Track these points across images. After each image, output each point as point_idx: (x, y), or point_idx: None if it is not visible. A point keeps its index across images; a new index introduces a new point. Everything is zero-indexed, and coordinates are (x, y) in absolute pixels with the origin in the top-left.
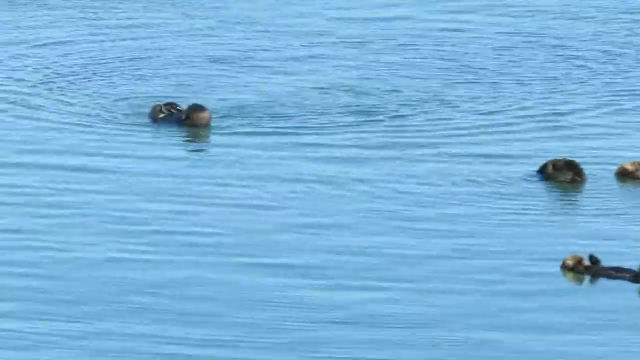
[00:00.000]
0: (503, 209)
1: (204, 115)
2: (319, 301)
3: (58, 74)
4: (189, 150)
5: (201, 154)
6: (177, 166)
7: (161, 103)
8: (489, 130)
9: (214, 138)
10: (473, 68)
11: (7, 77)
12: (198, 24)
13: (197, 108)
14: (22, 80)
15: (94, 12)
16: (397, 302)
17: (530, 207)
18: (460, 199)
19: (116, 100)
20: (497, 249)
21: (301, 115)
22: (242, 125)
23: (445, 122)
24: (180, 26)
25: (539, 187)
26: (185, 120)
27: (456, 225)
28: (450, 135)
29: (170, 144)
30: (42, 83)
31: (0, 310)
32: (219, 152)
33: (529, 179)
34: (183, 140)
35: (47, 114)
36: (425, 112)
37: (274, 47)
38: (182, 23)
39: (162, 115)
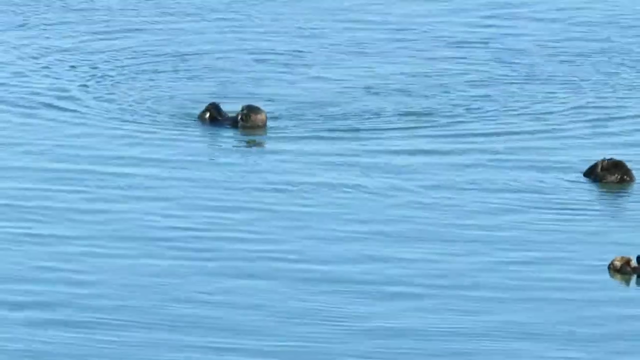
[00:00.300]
0: (551, 214)
1: (261, 116)
2: (360, 312)
3: (100, 75)
4: (242, 154)
5: (255, 158)
6: (228, 170)
7: (208, 104)
8: (539, 135)
9: (267, 141)
10: (525, 70)
11: (48, 79)
12: (241, 22)
13: (253, 109)
14: (65, 82)
15: (134, 9)
16: (440, 312)
17: (578, 211)
18: (508, 205)
19: (160, 100)
20: (546, 255)
21: (352, 118)
22: (293, 127)
23: (493, 126)
24: (225, 24)
25: (588, 189)
26: (241, 121)
27: (505, 233)
28: (497, 141)
29: (222, 147)
30: (84, 84)
31: (42, 318)
32: (272, 157)
33: (576, 181)
34: (237, 143)
35: (90, 116)
36: (474, 116)
37: (320, 46)
38: (226, 21)
39: (209, 116)
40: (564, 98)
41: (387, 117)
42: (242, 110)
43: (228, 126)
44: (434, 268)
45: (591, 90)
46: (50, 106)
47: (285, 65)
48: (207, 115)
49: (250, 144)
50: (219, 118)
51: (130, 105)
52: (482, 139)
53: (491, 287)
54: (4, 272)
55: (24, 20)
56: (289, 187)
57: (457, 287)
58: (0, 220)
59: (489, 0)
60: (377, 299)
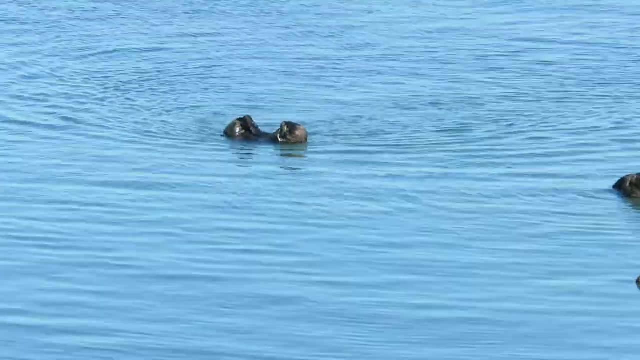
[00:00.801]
0: (578, 227)
1: (304, 133)
2: (400, 316)
3: (121, 86)
4: (280, 168)
5: (293, 172)
6: (262, 182)
7: (238, 118)
8: (572, 149)
9: (304, 156)
10: (559, 83)
11: (67, 90)
12: (267, 35)
13: (295, 125)
14: (83, 92)
15: (155, 24)
16: (472, 321)
17: (606, 225)
18: (539, 217)
19: (184, 114)
20: (573, 269)
21: (383, 134)
22: (327, 143)
23: (528, 139)
24: (248, 37)
25: (616, 203)
26: (283, 138)
27: (535, 245)
28: (531, 155)
29: (257, 161)
30: (104, 96)
31: (81, 326)
32: (309, 171)
33: (606, 195)
34: (276, 158)
35: (113, 129)
36: (509, 129)
37: (349, 59)
38: (250, 34)
39: (239, 131)
40: (596, 113)
41: (419, 130)
42: (283, 126)
43: (263, 142)
44: (463, 277)
45: (622, 105)
46: (68, 122)
47: (316, 78)
48: (238, 130)
49: (291, 159)
50: (253, 133)
51: (154, 121)
52: (512, 154)
53: (517, 299)
54: (18, 297)
55: (41, 35)
56: (323, 199)
57: (486, 297)
58: (17, 245)
59: (521, 10)
60: (415, 307)
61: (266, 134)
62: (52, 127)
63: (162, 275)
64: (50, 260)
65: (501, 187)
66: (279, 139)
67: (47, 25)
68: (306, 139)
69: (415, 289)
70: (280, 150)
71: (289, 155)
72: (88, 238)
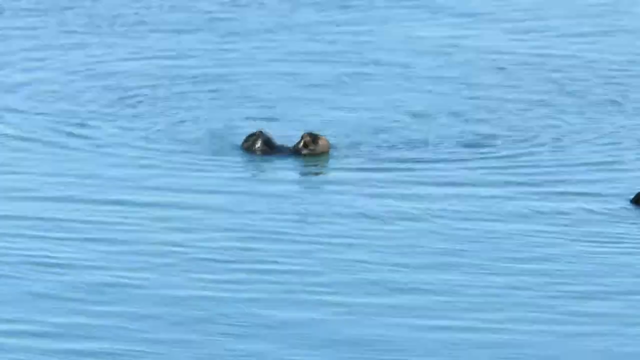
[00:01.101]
0: (599, 244)
1: (325, 143)
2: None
3: (127, 99)
4: (297, 186)
5: (314, 188)
6: (280, 201)
7: (255, 133)
8: (592, 166)
9: (323, 173)
10: (581, 97)
11: (69, 104)
12: (284, 45)
13: (315, 136)
14: (87, 106)
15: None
16: (491, 345)
17: (626, 241)
18: (560, 236)
19: (193, 126)
20: (593, 289)
21: (404, 146)
22: (347, 156)
23: (550, 154)
24: (261, 47)
25: (635, 218)
26: (305, 149)
27: (555, 265)
28: (550, 172)
29: (277, 177)
30: (112, 110)
31: (92, 349)
32: (328, 189)
33: (625, 209)
34: (298, 172)
35: (115, 146)
36: (531, 145)
37: (368, 69)
38: (264, 44)
39: (259, 147)
40: (617, 124)
41: (440, 144)
42: (305, 137)
43: (283, 156)
44: (483, 298)
45: None
46: (70, 138)
47: (332, 89)
48: (259, 144)
49: (308, 176)
50: (272, 148)
51: (162, 135)
52: (536, 169)
53: (538, 321)
54: (23, 299)
55: (47, 40)
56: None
57: (511, 319)
58: (22, 248)
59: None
60: (432, 330)
61: (286, 148)
62: (56, 144)
63: (170, 297)
64: (56, 281)
65: (522, 206)
66: (301, 151)
67: (51, 37)
68: (329, 150)
69: (439, 311)
70: (301, 164)
71: (307, 173)
72: (96, 260)
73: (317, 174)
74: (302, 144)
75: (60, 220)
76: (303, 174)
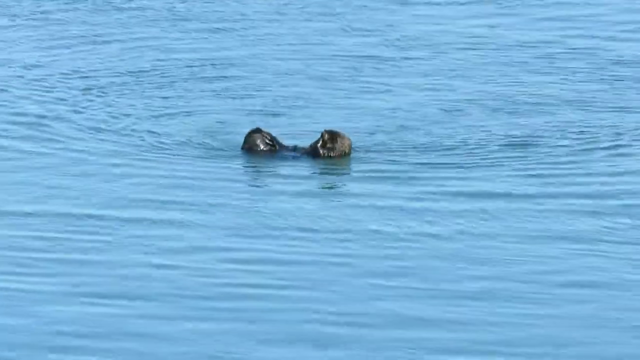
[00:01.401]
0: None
1: (346, 142)
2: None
3: (107, 87)
4: (310, 189)
5: (332, 190)
6: (292, 205)
7: (254, 131)
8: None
9: (341, 174)
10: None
11: (40, 94)
12: (294, 34)
13: (335, 133)
14: (60, 95)
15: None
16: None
17: None
18: (584, 243)
19: (187, 121)
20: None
21: (433, 145)
22: (365, 159)
23: (601, 154)
24: (274, 35)
25: None
26: (324, 149)
27: (572, 277)
28: (578, 174)
29: (283, 180)
30: (86, 101)
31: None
32: (349, 192)
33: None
34: (317, 174)
35: (127, 144)
36: (576, 141)
37: (391, 58)
38: (277, 33)
39: (264, 147)
40: None
41: (467, 142)
42: (324, 135)
43: (299, 156)
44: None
45: None
46: (43, 130)
47: (351, 80)
48: (263, 145)
49: (324, 177)
50: (276, 147)
51: (151, 130)
52: (575, 171)
53: (558, 343)
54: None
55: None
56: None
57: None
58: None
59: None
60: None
61: (295, 147)
62: (30, 139)
63: (171, 296)
64: (44, 284)
65: (563, 209)
66: (320, 151)
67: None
68: (349, 151)
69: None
70: (317, 165)
71: (322, 173)
72: (95, 258)
73: (332, 186)
74: (319, 142)
75: (58, 214)
76: (313, 176)
